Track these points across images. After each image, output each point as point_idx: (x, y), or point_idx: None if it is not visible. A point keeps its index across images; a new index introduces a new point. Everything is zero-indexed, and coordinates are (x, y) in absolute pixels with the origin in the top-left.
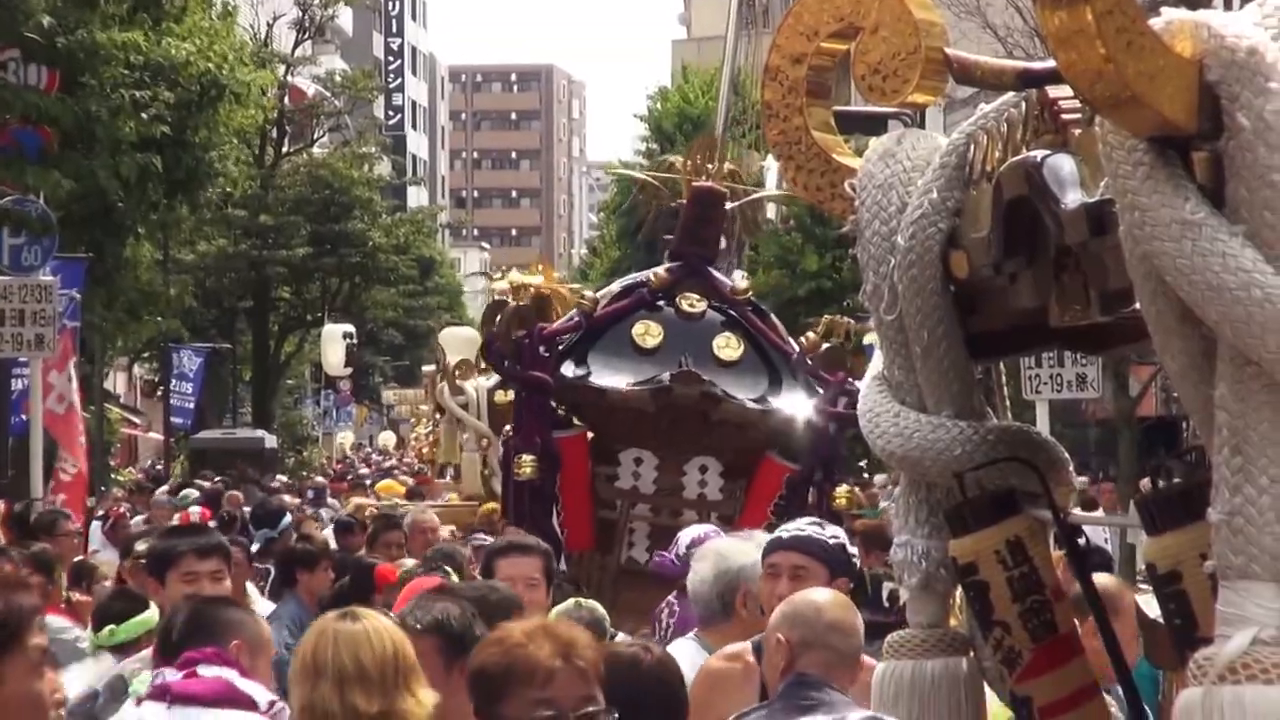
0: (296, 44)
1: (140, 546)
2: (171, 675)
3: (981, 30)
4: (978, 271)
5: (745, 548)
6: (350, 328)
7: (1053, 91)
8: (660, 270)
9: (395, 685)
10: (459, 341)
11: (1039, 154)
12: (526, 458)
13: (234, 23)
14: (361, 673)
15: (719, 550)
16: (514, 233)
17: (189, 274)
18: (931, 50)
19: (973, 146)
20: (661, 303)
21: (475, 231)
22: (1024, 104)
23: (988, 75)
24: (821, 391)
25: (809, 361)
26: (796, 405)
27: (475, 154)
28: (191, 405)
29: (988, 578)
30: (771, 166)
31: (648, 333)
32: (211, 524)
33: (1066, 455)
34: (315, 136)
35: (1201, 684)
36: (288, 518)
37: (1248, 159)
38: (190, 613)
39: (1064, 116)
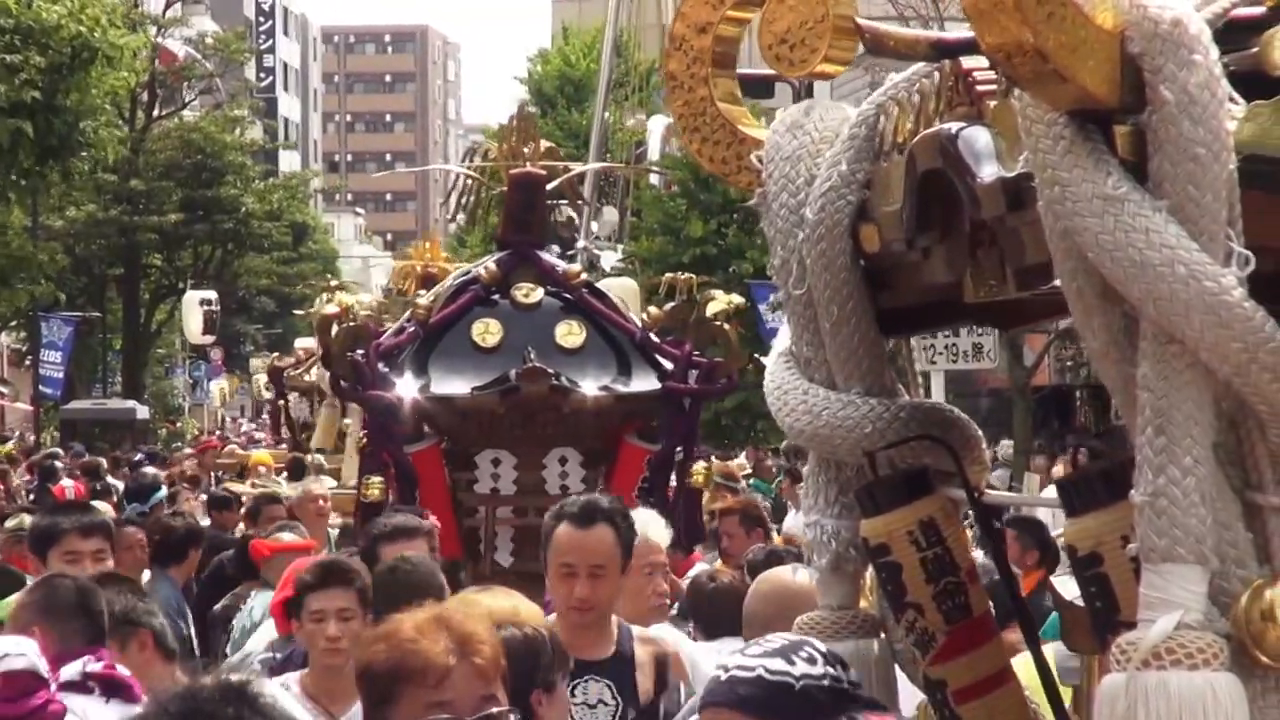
0: (168, 5)
1: (11, 523)
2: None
3: None
4: (889, 246)
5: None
6: (210, 294)
7: (967, 62)
8: (489, 263)
9: None
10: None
11: (954, 126)
12: (375, 479)
13: None
14: None
15: None
16: (388, 197)
17: (58, 240)
18: (840, 19)
19: (883, 118)
20: (496, 297)
21: (349, 196)
22: (936, 75)
23: (900, 45)
24: (670, 366)
25: (654, 337)
26: (648, 384)
27: (349, 117)
28: (60, 375)
29: (900, 559)
30: (654, 129)
31: (486, 331)
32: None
33: (979, 432)
34: (186, 100)
35: (1125, 669)
36: (161, 491)
37: (1171, 133)
38: None
39: (979, 88)
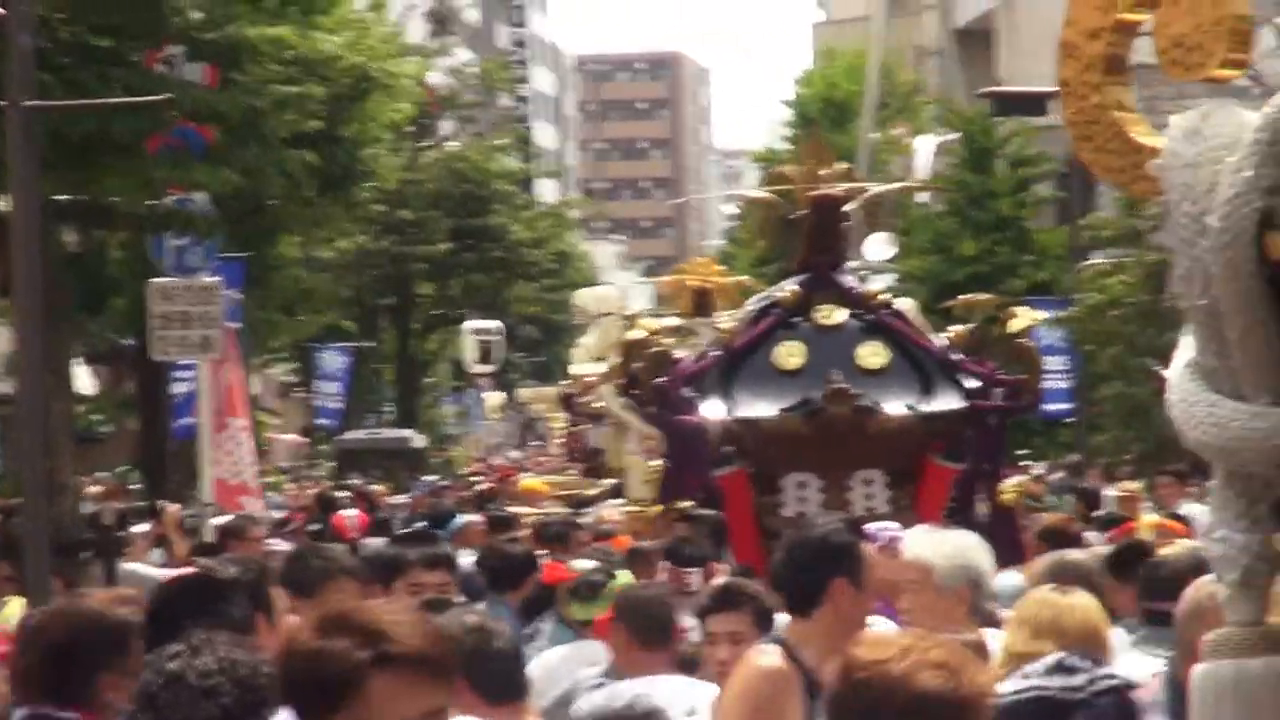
0: (431, 36)
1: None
2: None
3: None
4: None
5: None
6: (489, 323)
7: None
8: (790, 286)
9: None
10: (599, 303)
11: None
12: (682, 504)
13: (384, 14)
14: None
15: None
16: (646, 224)
17: (329, 271)
18: (1238, 20)
19: None
20: (797, 320)
21: (607, 224)
22: None
23: None
24: (974, 384)
25: (956, 355)
26: (952, 403)
27: (604, 145)
28: (338, 406)
29: None
30: (920, 148)
31: (789, 353)
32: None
33: None
34: (448, 131)
35: None
36: (458, 520)
37: None
38: None
39: None
